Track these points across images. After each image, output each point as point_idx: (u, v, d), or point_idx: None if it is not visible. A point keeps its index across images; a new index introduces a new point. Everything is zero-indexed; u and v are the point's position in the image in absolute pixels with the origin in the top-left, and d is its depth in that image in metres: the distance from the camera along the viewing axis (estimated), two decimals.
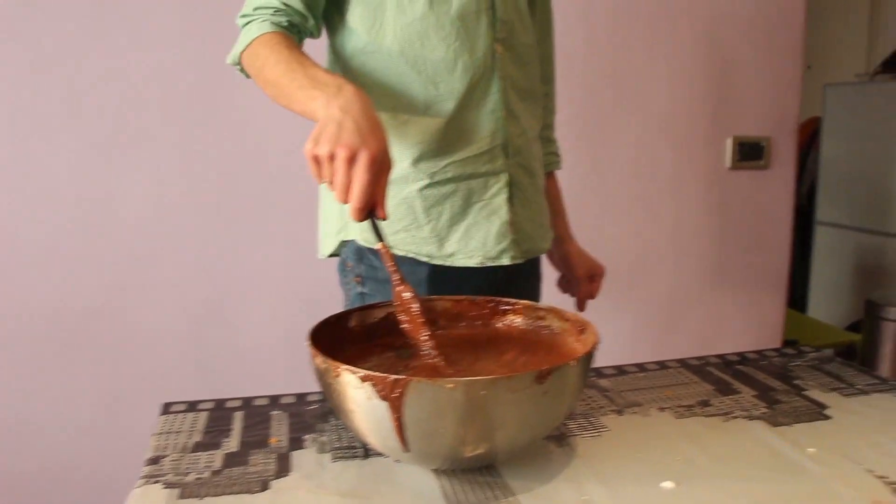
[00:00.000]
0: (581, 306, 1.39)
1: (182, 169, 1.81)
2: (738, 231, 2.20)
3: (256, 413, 1.00)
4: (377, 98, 1.07)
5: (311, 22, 1.07)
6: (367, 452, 0.87)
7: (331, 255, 1.20)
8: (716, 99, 2.14)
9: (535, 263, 1.29)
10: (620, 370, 1.12)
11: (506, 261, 1.13)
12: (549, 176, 1.37)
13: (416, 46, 1.07)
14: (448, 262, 1.12)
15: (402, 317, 0.90)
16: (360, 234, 1.13)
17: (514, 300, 0.97)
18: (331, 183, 0.85)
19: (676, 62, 2.11)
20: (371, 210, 0.86)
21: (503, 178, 1.13)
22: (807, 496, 0.75)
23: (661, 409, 0.97)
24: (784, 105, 2.19)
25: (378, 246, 0.89)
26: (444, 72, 1.08)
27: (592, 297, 1.39)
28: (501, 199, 1.13)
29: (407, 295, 0.90)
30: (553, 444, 0.87)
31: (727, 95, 2.16)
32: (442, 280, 1.11)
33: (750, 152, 2.17)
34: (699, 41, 2.11)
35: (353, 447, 0.88)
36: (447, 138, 1.10)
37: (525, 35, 1.16)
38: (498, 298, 0.97)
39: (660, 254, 2.18)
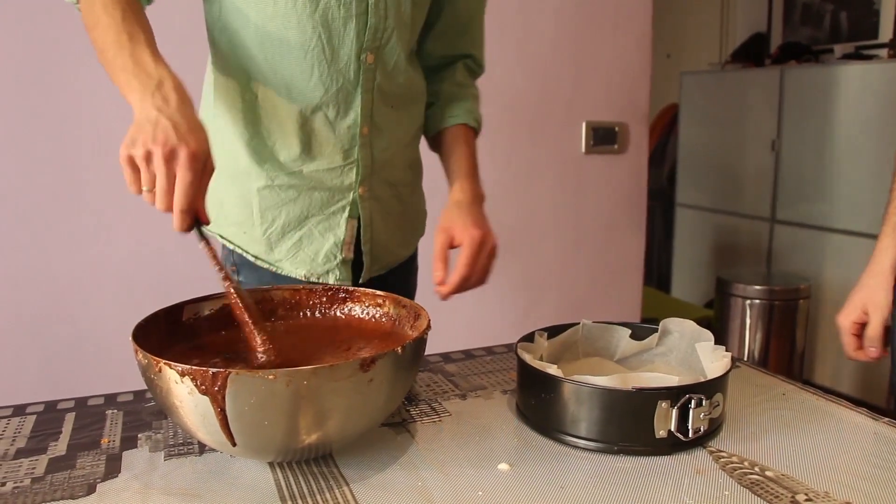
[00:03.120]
0: (442, 291, 1.08)
1: (13, 157, 1.70)
2: (594, 214, 2.28)
3: (89, 413, 0.95)
4: (234, 70, 1.04)
5: None
6: (201, 449, 0.84)
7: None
8: (569, 85, 2.20)
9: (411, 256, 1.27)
10: (468, 354, 1.14)
11: (331, 280, 1.10)
12: (458, 129, 1.20)
13: (275, 44, 1.00)
14: (274, 269, 1.09)
15: (235, 311, 0.88)
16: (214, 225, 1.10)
17: (352, 287, 0.96)
18: (150, 191, 0.80)
19: (530, 48, 2.14)
20: (196, 218, 0.81)
21: (350, 197, 1.08)
22: (658, 469, 0.78)
23: (505, 392, 0.99)
24: (636, 92, 2.28)
25: (200, 246, 0.84)
26: (300, 79, 1.01)
27: (441, 277, 1.05)
28: (342, 217, 1.09)
29: (232, 288, 0.86)
30: (392, 431, 0.88)
31: (581, 82, 2.22)
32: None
33: (604, 137, 2.24)
34: (551, 28, 2.15)
35: (189, 443, 0.86)
36: (294, 144, 1.05)
37: (407, 41, 1.08)
38: (336, 286, 0.96)
39: (516, 238, 2.23)
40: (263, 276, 1.10)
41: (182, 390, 0.69)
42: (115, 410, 0.96)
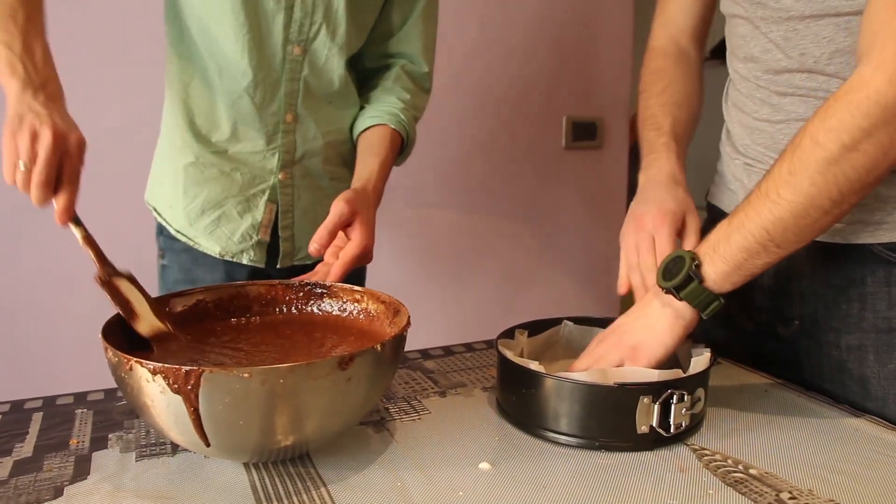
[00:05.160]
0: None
1: None
2: (574, 209, 2.26)
3: (58, 413, 0.92)
4: (179, 52, 1.09)
5: None
6: (174, 449, 0.82)
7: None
8: (549, 80, 2.18)
9: None
10: (448, 351, 1.12)
11: (245, 260, 1.15)
12: (374, 131, 1.15)
13: (211, 28, 1.05)
14: (192, 243, 1.14)
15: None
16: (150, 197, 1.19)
17: (329, 283, 0.94)
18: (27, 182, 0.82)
19: (509, 41, 2.12)
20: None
21: (270, 181, 1.14)
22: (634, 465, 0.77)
23: (485, 389, 0.98)
24: (617, 86, 2.27)
25: (79, 237, 0.87)
26: (231, 63, 1.06)
27: (319, 247, 0.99)
28: (261, 200, 1.14)
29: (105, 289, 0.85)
30: (371, 430, 0.86)
31: (561, 76, 2.20)
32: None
33: (584, 132, 2.23)
34: (532, 21, 2.13)
35: (162, 444, 0.83)
36: (224, 125, 1.10)
37: (343, 41, 1.10)
38: (313, 282, 0.94)
39: (495, 233, 2.21)
40: (183, 255, 1.17)
41: (154, 389, 0.67)
42: (85, 410, 0.93)
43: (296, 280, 0.95)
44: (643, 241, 0.95)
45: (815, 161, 0.75)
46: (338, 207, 0.98)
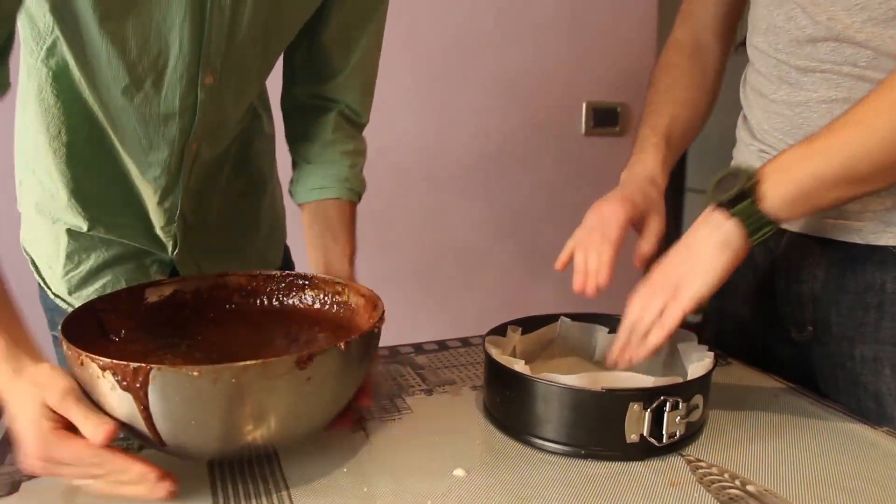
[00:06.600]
0: None
1: None
2: (594, 198, 2.18)
3: None
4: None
5: None
6: (141, 446, 0.78)
7: None
8: (569, 64, 2.11)
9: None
10: (442, 345, 1.07)
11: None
12: (325, 205, 1.02)
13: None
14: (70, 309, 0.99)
15: None
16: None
17: (311, 274, 0.90)
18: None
19: (527, 24, 2.05)
20: None
21: (166, 258, 1.02)
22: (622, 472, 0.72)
23: (474, 388, 0.93)
24: (639, 71, 2.18)
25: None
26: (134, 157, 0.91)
27: None
28: (153, 270, 1.02)
29: None
30: (345, 431, 0.81)
31: (581, 60, 2.13)
32: None
33: (605, 118, 2.16)
34: (550, 3, 2.06)
35: (128, 438, 0.80)
36: (120, 209, 0.97)
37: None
38: (295, 273, 0.90)
39: (512, 222, 2.15)
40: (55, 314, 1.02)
41: (105, 385, 0.63)
42: None
43: (278, 271, 0.91)
44: (594, 223, 0.90)
45: None
46: None
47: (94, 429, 0.63)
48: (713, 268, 0.76)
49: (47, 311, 1.07)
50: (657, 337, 0.78)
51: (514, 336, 0.91)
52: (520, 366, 0.78)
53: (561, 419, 0.75)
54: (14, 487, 0.71)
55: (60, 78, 0.87)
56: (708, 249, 0.77)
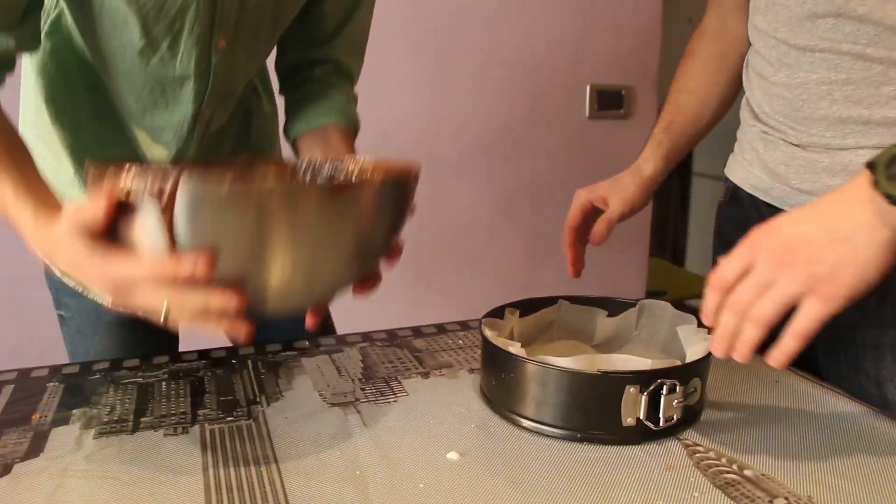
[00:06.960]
0: None
1: None
2: (598, 181, 2.17)
3: (29, 386, 0.89)
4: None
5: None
6: (135, 427, 0.78)
7: None
8: (573, 46, 2.09)
9: None
10: (441, 328, 1.07)
11: None
12: (328, 130, 1.03)
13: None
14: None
15: None
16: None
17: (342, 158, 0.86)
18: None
19: (531, 5, 2.03)
20: None
21: None
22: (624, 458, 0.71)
23: (471, 371, 0.92)
24: (645, 53, 2.16)
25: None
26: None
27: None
28: None
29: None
30: (340, 411, 0.81)
31: (585, 42, 2.11)
32: None
33: (609, 101, 2.14)
34: None
35: (123, 420, 0.80)
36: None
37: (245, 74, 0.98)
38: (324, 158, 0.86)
39: (516, 205, 2.14)
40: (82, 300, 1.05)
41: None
42: (57, 383, 0.90)
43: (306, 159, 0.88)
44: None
45: None
46: None
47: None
48: (876, 268, 0.61)
49: (53, 289, 1.09)
50: (789, 347, 0.65)
51: (512, 318, 0.90)
52: (515, 348, 0.77)
53: (557, 402, 0.74)
54: (6, 470, 0.70)
55: (64, 50, 0.90)
56: (873, 247, 0.61)
